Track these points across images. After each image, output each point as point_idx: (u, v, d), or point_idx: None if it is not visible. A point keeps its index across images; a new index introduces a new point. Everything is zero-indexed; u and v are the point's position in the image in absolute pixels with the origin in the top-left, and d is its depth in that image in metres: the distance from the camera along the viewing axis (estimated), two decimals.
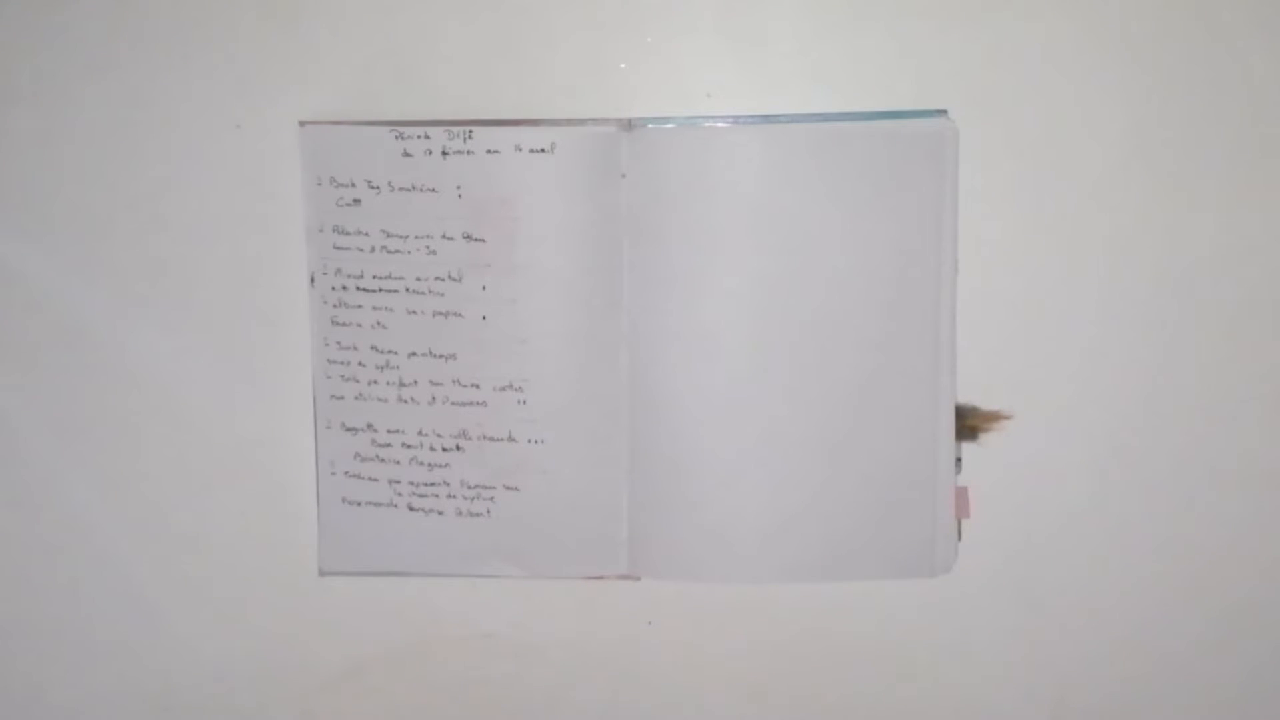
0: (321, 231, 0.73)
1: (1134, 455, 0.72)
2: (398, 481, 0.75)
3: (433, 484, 0.74)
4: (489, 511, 0.74)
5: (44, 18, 0.72)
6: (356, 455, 0.75)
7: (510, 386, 0.72)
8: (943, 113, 0.69)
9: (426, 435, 0.74)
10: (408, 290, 0.72)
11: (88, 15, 0.72)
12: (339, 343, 0.73)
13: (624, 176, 0.70)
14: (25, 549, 0.77)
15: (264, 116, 0.72)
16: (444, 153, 0.70)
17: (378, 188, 0.71)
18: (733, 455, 0.72)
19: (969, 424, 0.72)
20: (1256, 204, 0.69)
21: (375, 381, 0.74)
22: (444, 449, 0.74)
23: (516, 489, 0.74)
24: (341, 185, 0.72)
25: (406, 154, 0.71)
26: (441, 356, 0.73)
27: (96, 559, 0.77)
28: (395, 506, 0.75)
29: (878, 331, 0.71)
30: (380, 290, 0.73)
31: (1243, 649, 0.73)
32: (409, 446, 0.74)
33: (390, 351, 0.73)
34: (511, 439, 0.73)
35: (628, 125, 0.70)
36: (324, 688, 0.78)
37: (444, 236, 0.71)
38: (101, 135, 0.73)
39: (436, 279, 0.72)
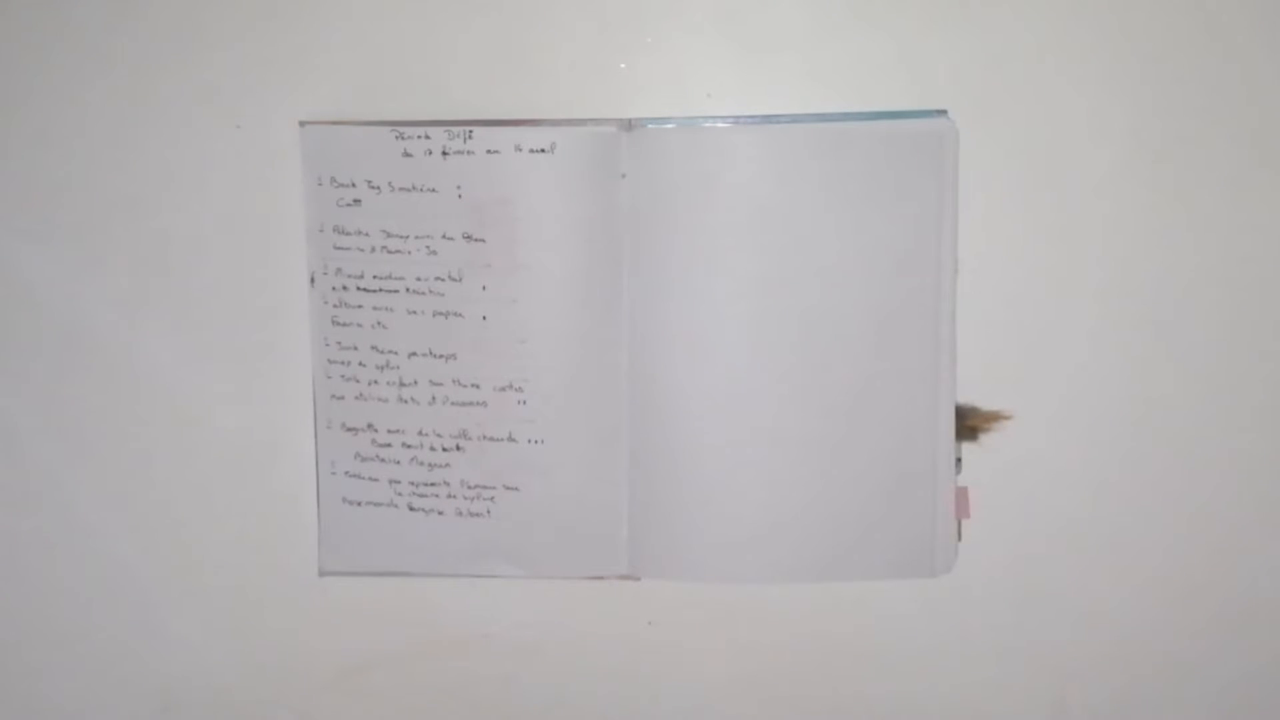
0: (321, 231, 0.73)
1: (1134, 455, 0.72)
2: (398, 481, 0.75)
3: (433, 484, 0.74)
4: (489, 511, 0.74)
5: (44, 18, 0.72)
6: (357, 455, 0.75)
7: (510, 386, 0.72)
8: (943, 113, 0.69)
9: (426, 435, 0.74)
10: (408, 290, 0.72)
11: (88, 15, 0.72)
12: (339, 343, 0.74)
13: (624, 176, 0.70)
14: (25, 549, 0.77)
15: (264, 116, 0.72)
16: (444, 153, 0.70)
17: (378, 188, 0.72)
18: (733, 455, 0.72)
19: (969, 424, 0.72)
20: (1256, 204, 0.69)
21: (375, 381, 0.74)
22: (444, 449, 0.74)
23: (516, 489, 0.74)
24: (341, 185, 0.72)
25: (407, 154, 0.71)
26: (441, 356, 0.73)
27: (96, 559, 0.77)
28: (395, 506, 0.75)
29: (878, 331, 0.71)
30: (380, 290, 0.73)
31: (1243, 649, 0.73)
32: (409, 446, 0.74)
33: (390, 351, 0.73)
34: (511, 439, 0.73)
35: (628, 125, 0.70)
36: (324, 688, 0.78)
37: (444, 236, 0.71)
38: (101, 135, 0.73)
39: (436, 279, 0.72)
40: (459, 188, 0.71)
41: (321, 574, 0.76)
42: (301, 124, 0.72)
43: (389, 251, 0.72)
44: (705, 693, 0.76)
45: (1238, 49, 0.68)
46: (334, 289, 0.73)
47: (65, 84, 0.73)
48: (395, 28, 0.71)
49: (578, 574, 0.75)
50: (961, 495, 0.72)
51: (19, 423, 0.76)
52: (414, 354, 0.73)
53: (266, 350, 0.74)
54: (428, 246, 0.72)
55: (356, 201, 0.72)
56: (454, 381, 0.73)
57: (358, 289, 0.73)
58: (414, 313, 0.73)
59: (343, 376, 0.74)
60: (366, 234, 0.72)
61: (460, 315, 0.72)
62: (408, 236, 0.72)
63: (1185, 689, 0.74)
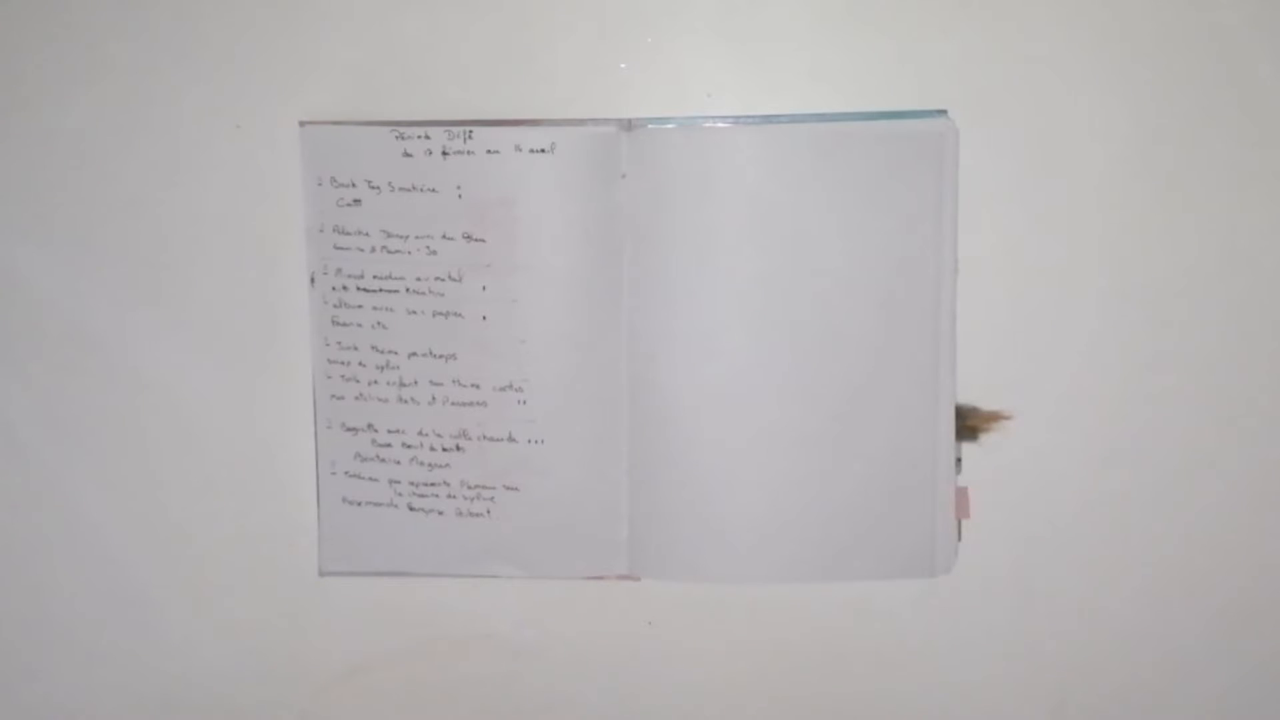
0: (321, 231, 0.73)
1: (1134, 455, 0.72)
2: (398, 481, 0.75)
3: (433, 484, 0.74)
4: (489, 511, 0.74)
5: (44, 18, 0.72)
6: (357, 455, 0.75)
7: (510, 386, 0.72)
8: (943, 113, 0.69)
9: (426, 435, 0.74)
10: (408, 290, 0.72)
11: (88, 15, 0.72)
12: (339, 343, 0.74)
13: (624, 176, 0.70)
14: (25, 549, 0.77)
15: (264, 116, 0.72)
16: (444, 153, 0.70)
17: (378, 188, 0.72)
18: (733, 455, 0.72)
19: (969, 424, 0.72)
20: (1256, 203, 0.69)
21: (375, 381, 0.74)
22: (444, 449, 0.74)
23: (516, 489, 0.74)
24: (341, 185, 0.72)
25: (407, 154, 0.71)
26: (441, 356, 0.73)
27: (96, 559, 0.77)
28: (395, 506, 0.75)
29: (878, 331, 0.71)
30: (380, 290, 0.73)
31: (1243, 649, 0.73)
32: (409, 446, 0.74)
33: (390, 351, 0.73)
34: (511, 439, 0.73)
35: (628, 125, 0.70)
36: (324, 688, 0.78)
37: (444, 236, 0.71)
38: (101, 135, 0.73)
39: (436, 279, 0.72)
40: (459, 188, 0.71)
41: (321, 574, 0.76)
42: (301, 124, 0.72)
43: (389, 251, 0.72)
44: (705, 693, 0.76)
45: (1238, 49, 0.68)
46: (334, 289, 0.73)
47: (65, 84, 0.73)
48: (395, 28, 0.71)
49: (578, 574, 0.75)
50: (961, 495, 0.72)
51: (19, 423, 0.76)
52: (414, 354, 0.73)
53: (266, 350, 0.74)
54: (428, 246, 0.72)
55: (356, 201, 0.72)
56: (454, 381, 0.73)
57: (358, 289, 0.73)
58: (414, 313, 0.73)
59: (343, 376, 0.74)
60: (366, 234, 0.72)
61: (460, 315, 0.72)
62: (408, 236, 0.72)
63: (1185, 689, 0.74)
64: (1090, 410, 0.72)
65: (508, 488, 0.74)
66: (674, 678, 0.76)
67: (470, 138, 0.70)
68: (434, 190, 0.71)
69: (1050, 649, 0.74)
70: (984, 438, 0.72)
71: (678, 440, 0.72)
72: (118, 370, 0.75)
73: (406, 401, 0.74)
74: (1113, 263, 0.70)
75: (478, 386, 0.73)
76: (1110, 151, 0.69)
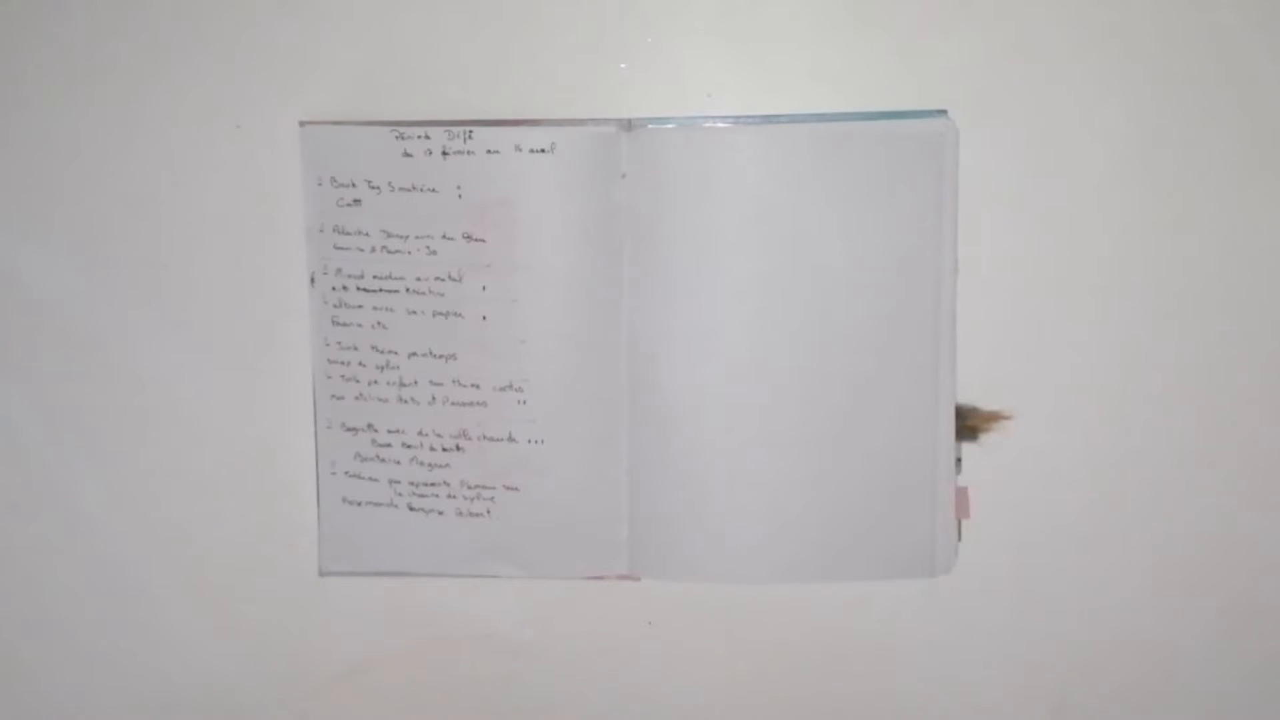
0: (321, 231, 0.73)
1: (1133, 455, 0.72)
2: (398, 481, 0.75)
3: (433, 484, 0.74)
4: (489, 511, 0.74)
5: (44, 18, 0.72)
6: (357, 455, 0.75)
7: (510, 386, 0.72)
8: (943, 113, 0.69)
9: (426, 435, 0.74)
10: (408, 290, 0.72)
11: (88, 15, 0.72)
12: (339, 343, 0.74)
13: (624, 176, 0.70)
14: (25, 549, 0.77)
15: (264, 116, 0.72)
16: (444, 153, 0.70)
17: (378, 188, 0.72)
18: (733, 455, 0.72)
19: (969, 424, 0.72)
20: (1256, 203, 0.69)
21: (375, 381, 0.74)
22: (444, 449, 0.74)
23: (516, 489, 0.74)
24: (341, 185, 0.72)
25: (407, 154, 0.71)
26: (441, 356, 0.73)
27: (96, 559, 0.77)
28: (395, 506, 0.75)
29: (878, 331, 0.71)
30: (380, 290, 0.73)
31: (1243, 649, 0.73)
32: (409, 446, 0.74)
33: (390, 351, 0.73)
34: (511, 439, 0.73)
35: (628, 125, 0.70)
36: (324, 688, 0.78)
37: (444, 236, 0.71)
38: (101, 135, 0.73)
39: (436, 279, 0.72)
40: (459, 188, 0.71)
41: (321, 574, 0.76)
42: (301, 124, 0.72)
43: (389, 251, 0.72)
44: (705, 693, 0.76)
45: (1237, 49, 0.68)
46: (334, 289, 0.73)
47: (65, 84, 0.73)
48: (395, 28, 0.71)
49: (578, 574, 0.75)
50: (961, 495, 0.72)
51: (19, 423, 0.76)
52: (414, 354, 0.73)
53: (266, 350, 0.74)
54: (428, 246, 0.72)
55: (356, 201, 0.72)
56: (454, 381, 0.73)
57: (358, 289, 0.73)
58: (414, 313, 0.73)
59: (343, 376, 0.74)
60: (366, 234, 0.72)
61: (460, 315, 0.72)
62: (408, 236, 0.72)
63: (1185, 689, 0.74)
64: (1090, 410, 0.72)
65: (508, 488, 0.74)
66: (674, 678, 0.76)
67: (470, 138, 0.70)
68: (434, 190, 0.71)
69: (1050, 649, 0.74)
70: (984, 438, 0.72)
71: (678, 440, 0.72)
72: (118, 370, 0.75)
73: (406, 401, 0.74)
74: (1113, 263, 0.70)
75: (478, 386, 0.73)
76: (1110, 151, 0.69)
